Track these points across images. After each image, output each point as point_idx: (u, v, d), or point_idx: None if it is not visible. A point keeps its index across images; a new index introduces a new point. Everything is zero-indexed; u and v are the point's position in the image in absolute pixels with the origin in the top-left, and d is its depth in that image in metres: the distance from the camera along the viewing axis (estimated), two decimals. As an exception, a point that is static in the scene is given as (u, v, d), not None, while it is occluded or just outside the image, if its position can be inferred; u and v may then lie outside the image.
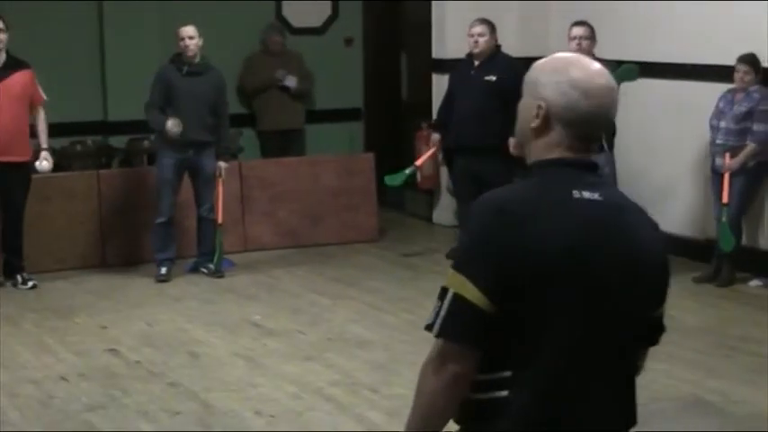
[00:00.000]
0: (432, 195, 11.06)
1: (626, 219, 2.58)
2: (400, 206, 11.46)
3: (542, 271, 2.44)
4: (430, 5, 10.77)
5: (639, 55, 9.06)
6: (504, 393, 2.47)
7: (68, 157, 10.38)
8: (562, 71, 2.56)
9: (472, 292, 2.43)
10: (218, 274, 8.88)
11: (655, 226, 2.68)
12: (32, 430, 5.75)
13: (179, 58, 8.72)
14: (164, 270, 8.80)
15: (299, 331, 7.48)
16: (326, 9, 11.65)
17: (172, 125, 8.51)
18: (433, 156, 9.84)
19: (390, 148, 11.44)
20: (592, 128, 2.58)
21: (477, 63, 9.20)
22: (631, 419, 2.63)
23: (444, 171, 10.43)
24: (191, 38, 8.65)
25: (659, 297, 2.65)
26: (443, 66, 10.35)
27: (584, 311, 2.48)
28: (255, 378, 6.53)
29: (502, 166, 9.02)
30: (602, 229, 2.51)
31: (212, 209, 8.92)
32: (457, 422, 2.58)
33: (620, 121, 8.56)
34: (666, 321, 2.72)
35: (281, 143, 10.90)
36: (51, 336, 7.39)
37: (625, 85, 8.55)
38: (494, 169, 9.10)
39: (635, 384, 2.65)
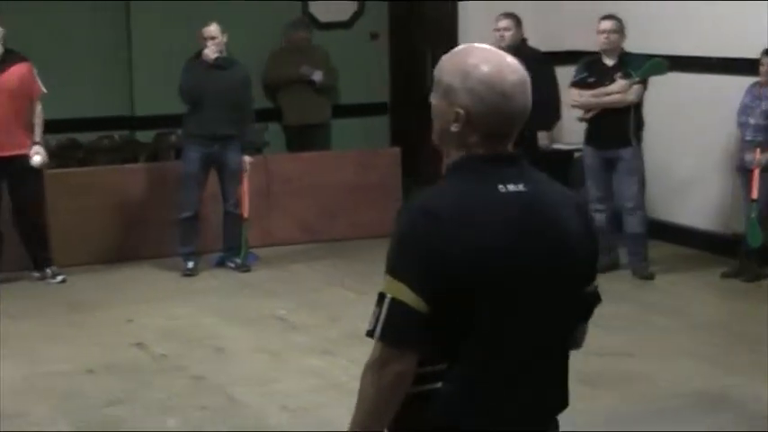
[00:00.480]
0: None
1: (551, 204, 2.63)
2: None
3: (474, 268, 2.50)
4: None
5: (665, 49, 9.03)
6: (439, 385, 2.55)
7: (95, 152, 10.45)
8: (475, 74, 2.58)
9: (408, 296, 2.48)
10: (244, 268, 8.91)
11: (580, 205, 2.76)
12: (58, 423, 5.80)
13: (204, 54, 8.75)
14: (190, 264, 8.85)
15: (321, 326, 7.50)
16: (353, 4, 11.67)
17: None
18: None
19: (416, 143, 11.43)
20: (511, 124, 2.61)
21: (505, 57, 9.18)
22: (565, 401, 2.72)
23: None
24: (213, 38, 8.68)
25: (589, 274, 2.73)
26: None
27: (518, 301, 2.56)
28: (280, 372, 6.55)
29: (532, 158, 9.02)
30: (530, 218, 2.57)
31: (238, 203, 8.95)
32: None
33: (648, 114, 8.65)
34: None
35: (307, 138, 10.90)
36: (77, 329, 7.44)
37: (653, 79, 8.57)
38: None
39: (568, 365, 2.72)
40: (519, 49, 9.11)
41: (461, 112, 2.59)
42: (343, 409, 5.96)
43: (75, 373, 6.53)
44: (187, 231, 8.86)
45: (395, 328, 2.51)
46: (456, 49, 2.72)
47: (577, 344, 2.79)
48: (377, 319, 2.53)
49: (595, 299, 2.79)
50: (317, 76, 10.77)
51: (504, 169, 2.60)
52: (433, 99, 2.70)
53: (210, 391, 6.20)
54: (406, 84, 11.99)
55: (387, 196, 10.18)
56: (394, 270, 2.52)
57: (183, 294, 8.30)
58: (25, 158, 8.43)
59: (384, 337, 2.52)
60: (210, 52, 8.67)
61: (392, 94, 11.97)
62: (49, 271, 8.64)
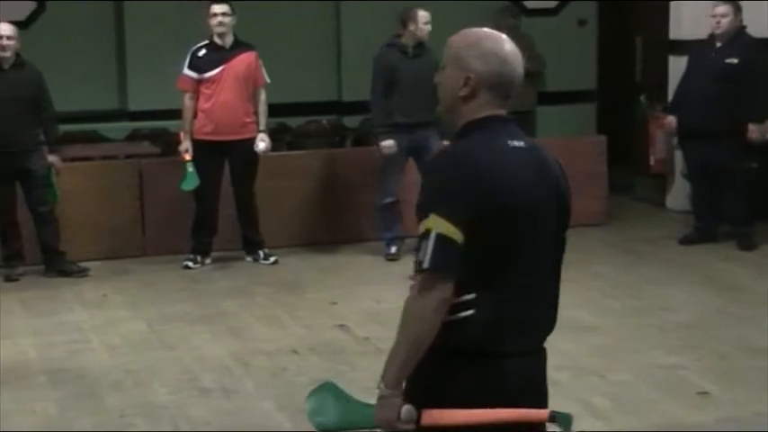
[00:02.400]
0: (663, 179, 10.82)
1: (545, 158, 3.13)
2: (629, 190, 11.26)
3: (503, 207, 2.95)
4: (667, -15, 10.54)
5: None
6: (471, 312, 2.96)
7: (303, 137, 10.67)
8: (478, 44, 3.07)
9: (451, 230, 2.89)
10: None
11: (559, 163, 3.20)
12: (264, 401, 5.95)
13: (398, 41, 8.82)
14: (393, 249, 8.95)
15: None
16: (561, -10, 11.57)
17: (387, 146, 8.70)
18: None
19: (622, 131, 11.26)
20: (510, 87, 3.09)
21: (718, 45, 8.93)
22: (556, 323, 3.20)
23: (679, 155, 10.19)
24: (427, 23, 8.73)
25: (569, 220, 3.20)
26: (680, 47, 10.09)
27: (533, 237, 3.02)
28: (480, 359, 6.56)
29: (736, 152, 8.77)
30: (534, 169, 3.06)
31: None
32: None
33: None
34: None
35: (511, 124, 10.86)
36: (283, 309, 7.62)
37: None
38: (728, 154, 8.86)
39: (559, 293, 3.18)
40: (736, 36, 8.85)
41: (471, 75, 3.04)
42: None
43: (280, 353, 6.69)
44: (389, 216, 8.96)
45: (442, 259, 2.89)
46: (463, 31, 3.16)
47: None
48: (425, 252, 2.90)
49: (564, 246, 3.21)
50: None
51: (508, 128, 3.10)
52: (440, 75, 3.14)
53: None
54: (614, 71, 11.81)
55: (594, 185, 10.07)
56: (436, 207, 2.91)
57: (385, 279, 8.38)
58: (246, 143, 8.70)
59: (434, 268, 2.89)
60: (415, 39, 8.74)
61: (599, 81, 11.81)
62: (261, 253, 8.89)
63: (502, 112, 3.10)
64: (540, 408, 3.10)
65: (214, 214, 8.83)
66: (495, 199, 2.93)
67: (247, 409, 5.82)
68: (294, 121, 10.83)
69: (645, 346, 6.71)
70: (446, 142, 8.94)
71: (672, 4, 10.47)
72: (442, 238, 2.89)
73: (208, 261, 8.90)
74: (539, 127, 11.08)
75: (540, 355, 3.20)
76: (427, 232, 2.91)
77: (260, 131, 8.78)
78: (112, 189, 9.17)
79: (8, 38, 8.36)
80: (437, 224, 2.90)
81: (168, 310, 7.71)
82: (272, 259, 8.86)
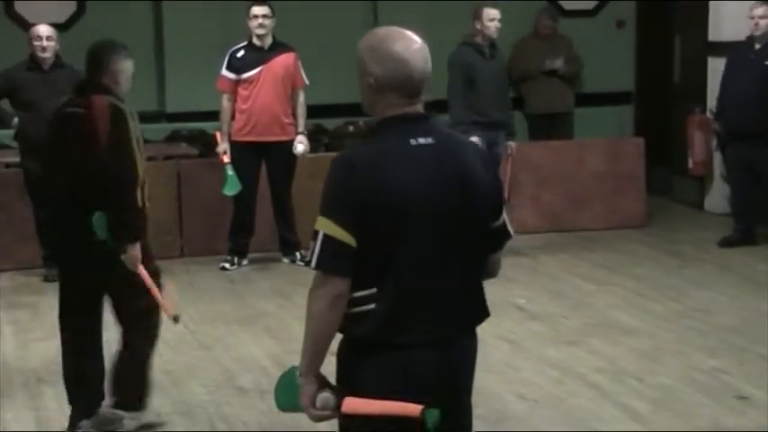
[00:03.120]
0: (702, 181, 10.75)
1: (457, 154, 3.19)
2: (668, 192, 11.20)
3: (389, 207, 3.07)
4: (706, -14, 10.46)
5: None
6: (372, 306, 3.11)
7: (340, 137, 10.67)
8: (378, 47, 3.16)
9: (337, 231, 3.06)
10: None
11: (482, 152, 3.36)
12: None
13: (474, 41, 8.81)
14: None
15: (562, 316, 7.44)
16: (599, -9, 11.51)
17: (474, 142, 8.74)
18: None
19: (660, 132, 11.19)
20: (412, 84, 3.15)
21: (757, 46, 8.88)
22: (484, 313, 3.33)
23: (718, 157, 10.12)
24: (493, 19, 8.80)
25: (494, 211, 3.27)
26: (719, 49, 10.02)
27: (430, 234, 3.11)
28: (518, 361, 6.54)
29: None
30: (437, 165, 3.13)
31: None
32: (340, 332, 3.18)
33: None
34: None
35: (549, 126, 10.83)
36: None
37: None
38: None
39: (482, 285, 3.31)
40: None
41: (371, 79, 3.16)
42: (583, 401, 5.94)
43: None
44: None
45: (327, 258, 3.08)
46: (369, 32, 3.26)
47: (491, 274, 3.36)
48: (312, 252, 3.09)
49: (504, 233, 3.33)
50: (558, 63, 10.69)
51: (415, 126, 3.17)
52: (359, 79, 3.23)
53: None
54: (653, 72, 11.74)
55: (632, 187, 10.04)
56: (325, 210, 3.09)
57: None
58: (285, 145, 8.71)
59: (319, 266, 3.09)
60: (485, 39, 8.78)
61: (637, 82, 11.74)
62: (298, 254, 8.89)
63: (412, 109, 3.18)
64: (460, 397, 3.31)
65: (251, 215, 8.85)
66: (375, 199, 3.06)
67: (285, 410, 5.81)
68: (331, 123, 10.83)
69: (686, 349, 6.66)
70: (512, 143, 9.01)
71: (711, 4, 10.40)
72: (328, 239, 3.07)
73: (245, 262, 8.92)
74: (576, 128, 11.05)
75: (457, 347, 3.26)
76: (315, 233, 3.10)
77: (299, 133, 8.78)
78: (150, 190, 9.15)
79: (48, 38, 8.43)
80: (324, 225, 3.08)
81: (206, 310, 7.74)
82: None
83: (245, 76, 8.65)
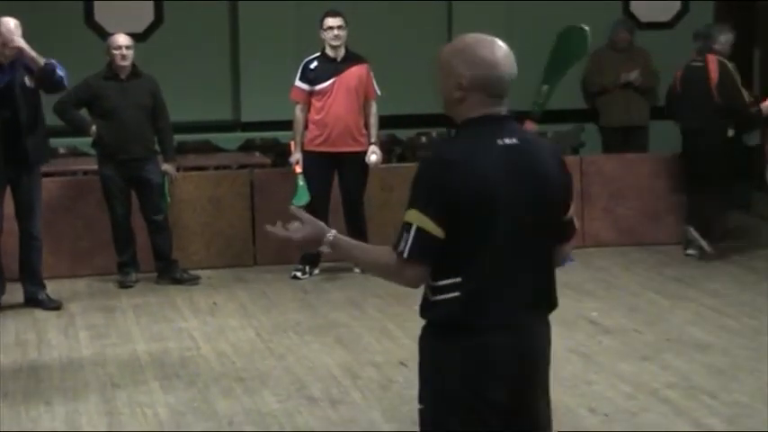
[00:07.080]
0: (782, 197, 10.59)
1: (536, 154, 3.39)
2: (746, 208, 11.05)
3: (478, 202, 3.26)
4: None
5: None
6: (457, 293, 3.31)
7: (413, 148, 10.68)
8: (469, 50, 3.35)
9: (428, 224, 3.25)
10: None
11: (557, 151, 3.53)
12: (371, 411, 5.95)
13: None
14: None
15: (635, 330, 7.37)
16: (676, 4, 11.40)
17: None
18: None
19: (738, 147, 11.04)
20: (500, 86, 3.35)
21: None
22: (554, 302, 3.51)
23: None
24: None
25: (565, 207, 3.47)
26: (799, 61, 9.88)
27: (511, 227, 3.30)
28: (590, 375, 6.48)
29: None
30: (521, 164, 3.33)
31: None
32: (423, 318, 3.44)
33: None
34: None
35: (624, 139, 10.74)
36: (393, 321, 7.61)
37: None
38: None
39: (555, 276, 3.49)
40: None
41: (461, 80, 3.33)
42: (656, 417, 5.87)
43: (388, 365, 6.69)
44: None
45: (418, 250, 3.26)
46: (455, 39, 3.45)
47: (558, 263, 3.54)
48: (405, 242, 3.27)
49: (571, 226, 3.53)
50: (633, 76, 10.58)
51: (501, 126, 3.37)
52: (437, 82, 3.42)
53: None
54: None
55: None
56: (417, 204, 3.28)
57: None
58: (358, 155, 8.75)
59: (411, 257, 3.27)
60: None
61: (715, 96, 11.59)
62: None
63: (496, 110, 3.37)
64: (534, 385, 3.46)
65: (323, 225, 8.86)
66: (466, 194, 3.24)
67: (354, 420, 5.82)
68: (404, 133, 10.85)
69: (762, 367, 6.55)
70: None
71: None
72: (420, 232, 3.26)
73: (316, 271, 8.96)
74: (652, 142, 10.94)
75: (531, 332, 3.44)
76: (408, 225, 3.28)
77: (371, 143, 8.82)
78: (225, 198, 9.29)
79: (127, 48, 8.54)
80: (417, 219, 3.27)
81: (278, 319, 7.78)
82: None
83: (319, 87, 8.70)
